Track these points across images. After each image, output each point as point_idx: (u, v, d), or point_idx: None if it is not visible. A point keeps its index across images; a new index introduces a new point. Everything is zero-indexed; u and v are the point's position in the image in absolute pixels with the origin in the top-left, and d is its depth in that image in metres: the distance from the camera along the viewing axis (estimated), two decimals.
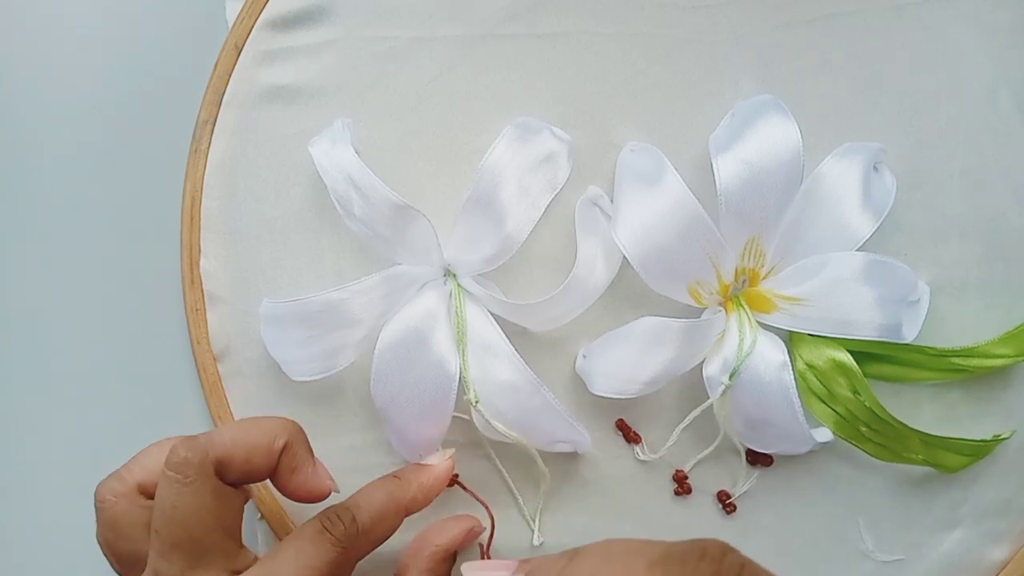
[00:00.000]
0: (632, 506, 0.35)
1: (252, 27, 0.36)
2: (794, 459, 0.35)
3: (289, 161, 0.35)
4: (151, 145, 0.38)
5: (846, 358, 0.33)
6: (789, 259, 0.34)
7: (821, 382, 0.33)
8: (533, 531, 0.35)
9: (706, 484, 0.36)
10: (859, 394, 0.33)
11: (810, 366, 0.33)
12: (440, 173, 0.35)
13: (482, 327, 0.33)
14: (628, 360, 0.33)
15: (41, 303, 0.38)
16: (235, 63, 0.36)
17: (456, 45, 0.35)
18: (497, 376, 0.33)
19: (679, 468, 0.35)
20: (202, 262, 0.36)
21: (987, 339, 0.34)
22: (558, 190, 0.34)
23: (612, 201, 0.34)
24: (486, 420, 0.33)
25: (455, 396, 0.33)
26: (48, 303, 0.38)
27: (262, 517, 0.36)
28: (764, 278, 0.34)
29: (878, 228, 0.34)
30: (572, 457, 0.35)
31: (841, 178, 0.34)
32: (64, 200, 0.38)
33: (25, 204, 0.38)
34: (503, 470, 0.35)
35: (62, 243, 0.38)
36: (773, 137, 0.32)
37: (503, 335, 0.33)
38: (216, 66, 0.36)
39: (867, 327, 0.33)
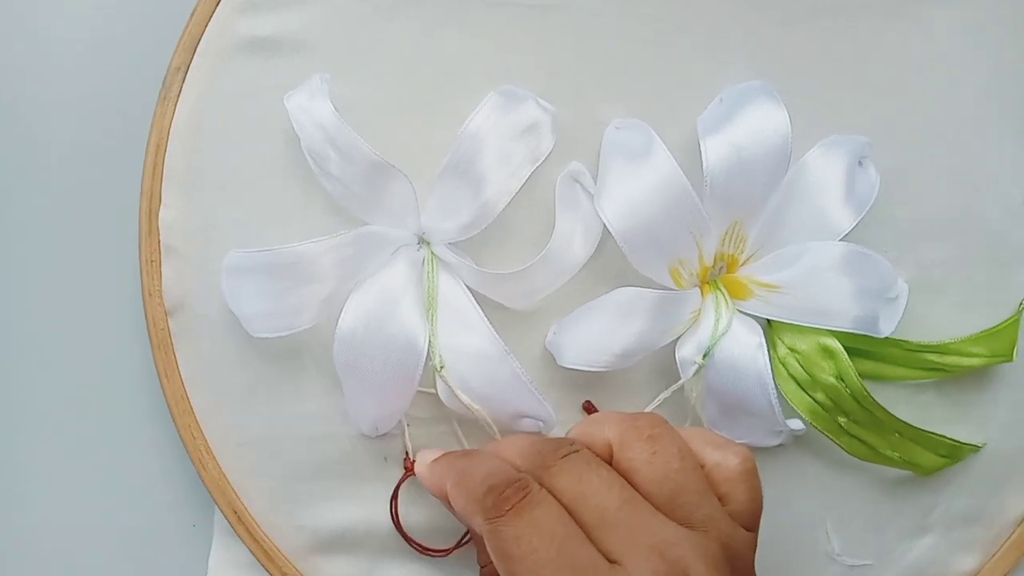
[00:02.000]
0: None
1: None
2: (764, 453, 0.34)
3: (263, 114, 0.34)
4: (120, 91, 0.36)
5: (833, 343, 0.32)
6: (768, 247, 0.33)
7: (803, 367, 0.32)
8: None
9: None
10: (842, 380, 0.32)
11: (792, 350, 0.32)
12: (419, 138, 0.34)
13: (453, 294, 0.32)
14: (600, 331, 0.31)
15: None
16: (214, 10, 0.35)
17: (445, 7, 0.34)
18: (465, 343, 0.32)
19: None
20: (162, 212, 0.34)
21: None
22: (540, 162, 0.33)
23: (594, 179, 0.33)
24: (450, 389, 0.31)
25: (421, 369, 0.32)
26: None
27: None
28: (742, 264, 0.34)
29: (859, 223, 0.33)
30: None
31: (825, 170, 0.33)
32: (24, 141, 0.37)
33: None
34: (463, 441, 0.34)
35: (18, 189, 0.37)
36: (763, 122, 0.32)
37: (474, 303, 0.32)
38: (194, 12, 0.35)
39: (843, 318, 0.32)
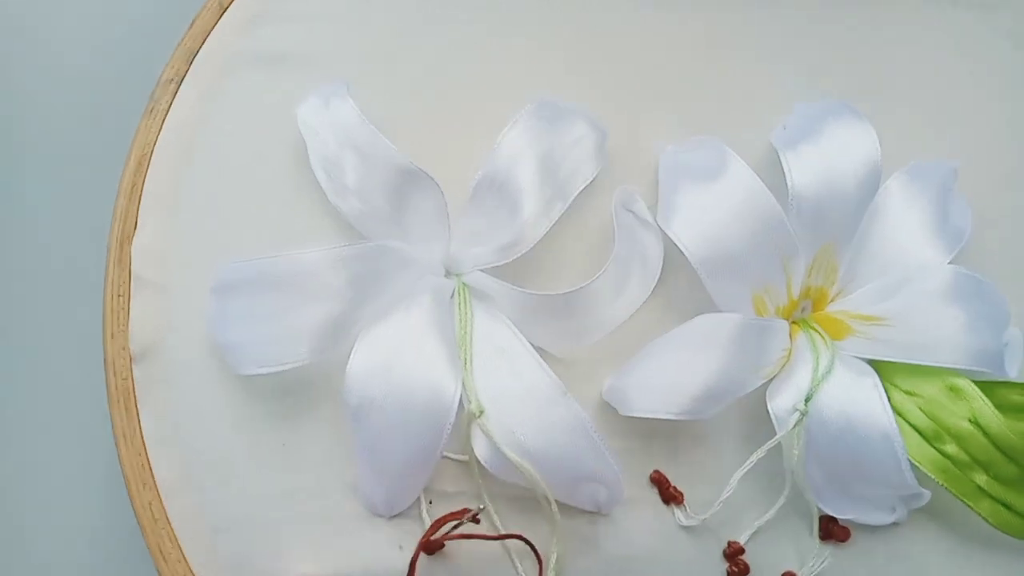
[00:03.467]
0: None
1: None
2: (875, 535, 0.27)
3: (262, 132, 0.30)
4: (102, 104, 0.31)
5: (963, 382, 0.26)
6: (859, 281, 0.29)
7: (927, 414, 0.26)
8: None
9: (766, 562, 0.27)
10: (979, 425, 0.26)
11: (911, 394, 0.27)
12: (447, 160, 0.29)
13: (492, 329, 0.27)
14: (674, 368, 0.26)
15: None
16: (216, 23, 0.31)
17: (476, 28, 0.31)
18: (511, 385, 0.25)
19: (732, 540, 0.27)
20: (136, 238, 0.28)
21: None
22: (588, 182, 0.29)
23: (648, 206, 0.29)
24: (492, 444, 0.25)
25: (448, 430, 0.25)
26: None
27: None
28: (832, 300, 0.28)
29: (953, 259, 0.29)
30: (590, 521, 0.27)
31: (912, 199, 0.30)
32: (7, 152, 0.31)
33: None
34: (499, 525, 0.26)
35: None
36: (850, 138, 0.28)
37: (520, 336, 0.26)
38: (193, 24, 0.31)
39: (960, 352, 0.27)
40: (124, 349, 0.27)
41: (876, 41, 0.32)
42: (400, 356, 0.26)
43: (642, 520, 0.27)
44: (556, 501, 0.25)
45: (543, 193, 0.28)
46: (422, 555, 0.25)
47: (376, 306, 0.26)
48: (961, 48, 0.32)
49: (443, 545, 0.25)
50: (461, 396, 0.25)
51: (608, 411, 0.27)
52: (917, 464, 0.26)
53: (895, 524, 0.27)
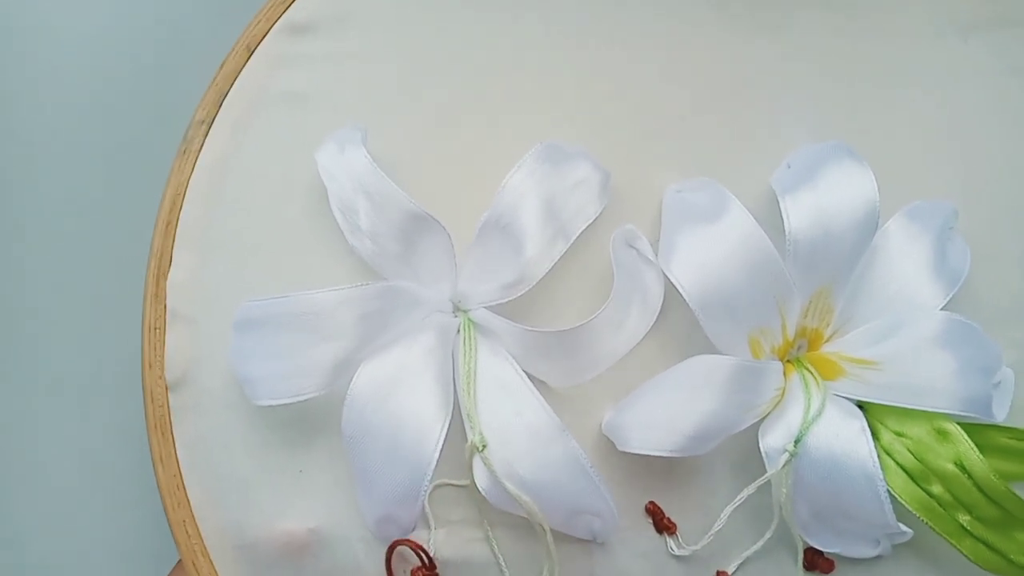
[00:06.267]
0: None
1: (268, 30, 0.33)
2: (858, 567, 0.29)
3: (289, 172, 0.31)
4: (140, 145, 0.34)
5: (951, 426, 0.27)
6: (855, 322, 0.30)
7: (914, 454, 0.27)
8: None
9: None
10: (963, 468, 0.27)
11: (900, 435, 0.28)
12: (456, 201, 0.31)
13: (495, 364, 0.28)
14: (669, 407, 0.27)
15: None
16: (244, 64, 0.32)
17: (486, 69, 0.32)
18: (512, 421, 0.27)
19: (721, 570, 0.29)
20: (171, 274, 0.30)
21: None
22: (590, 222, 0.30)
23: (651, 245, 0.30)
24: (492, 476, 0.27)
25: (432, 465, 0.27)
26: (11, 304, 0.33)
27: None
28: (827, 340, 0.29)
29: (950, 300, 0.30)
30: (586, 550, 0.29)
31: (911, 240, 0.30)
32: (44, 195, 0.34)
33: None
34: (500, 557, 0.28)
35: (34, 243, 0.33)
36: (847, 181, 0.29)
37: (522, 373, 0.28)
38: (223, 65, 0.32)
39: (950, 398, 0.27)
40: (160, 379, 0.29)
41: (882, 77, 0.32)
42: (395, 390, 0.27)
43: (636, 549, 0.29)
44: (552, 530, 0.27)
45: (545, 233, 0.29)
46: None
47: (382, 342, 0.28)
48: (968, 84, 0.32)
49: (436, 572, 0.27)
50: (465, 427, 0.27)
51: (606, 443, 0.29)
52: (903, 502, 0.27)
53: (879, 557, 0.28)
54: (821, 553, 0.28)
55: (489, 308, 0.29)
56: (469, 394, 0.27)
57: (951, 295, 0.29)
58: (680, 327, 0.30)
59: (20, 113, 0.34)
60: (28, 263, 0.34)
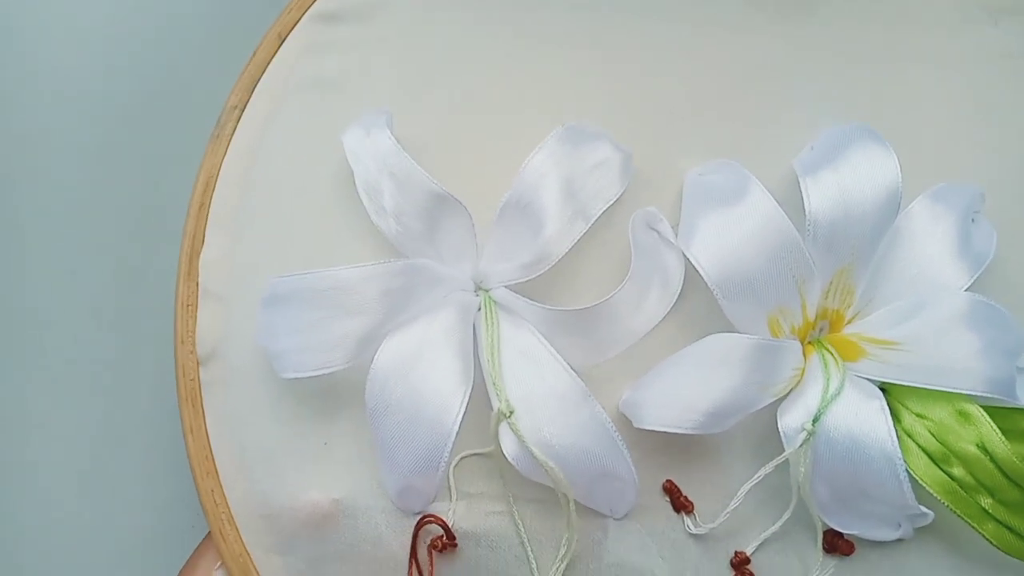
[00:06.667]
0: None
1: (300, 18, 0.34)
2: (879, 550, 0.28)
3: (318, 155, 0.32)
4: (172, 132, 0.35)
5: (973, 408, 0.27)
6: (876, 304, 0.29)
7: (936, 437, 0.27)
8: None
9: (772, 573, 0.29)
10: (986, 450, 0.27)
11: (921, 417, 0.27)
12: (479, 184, 0.31)
13: (519, 337, 0.28)
14: (687, 385, 0.27)
15: (39, 287, 0.35)
16: (275, 52, 0.33)
17: (512, 55, 0.33)
18: (537, 388, 0.27)
19: (739, 550, 0.29)
20: (203, 254, 0.31)
21: None
22: (611, 203, 0.30)
23: (672, 227, 0.30)
24: (519, 442, 0.27)
25: (452, 440, 0.27)
26: (43, 288, 0.35)
27: (221, 565, 0.29)
28: (848, 322, 0.29)
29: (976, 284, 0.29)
30: (602, 526, 0.29)
31: (935, 221, 0.30)
32: (76, 183, 0.35)
33: (31, 185, 0.35)
34: (522, 529, 0.29)
35: (68, 229, 0.35)
36: (869, 163, 0.29)
37: (545, 342, 0.28)
38: (255, 53, 0.33)
39: (973, 379, 0.27)
40: (192, 354, 0.30)
41: (908, 62, 0.32)
42: (417, 364, 0.28)
43: (653, 527, 0.29)
44: (574, 501, 0.27)
45: (565, 213, 0.29)
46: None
47: (405, 318, 0.28)
48: (997, 68, 0.32)
49: (456, 544, 0.28)
50: (490, 396, 0.28)
51: (624, 423, 0.29)
52: (925, 485, 0.27)
53: (900, 540, 0.28)
54: (841, 535, 0.28)
55: (509, 288, 0.29)
56: (493, 364, 0.28)
57: (975, 277, 0.29)
58: (700, 309, 0.30)
59: (46, 98, 0.36)
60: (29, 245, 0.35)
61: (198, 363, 0.30)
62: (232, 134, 0.33)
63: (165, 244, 0.32)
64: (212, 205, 0.32)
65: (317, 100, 0.33)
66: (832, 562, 0.28)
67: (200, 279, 0.31)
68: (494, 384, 0.27)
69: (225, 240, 0.31)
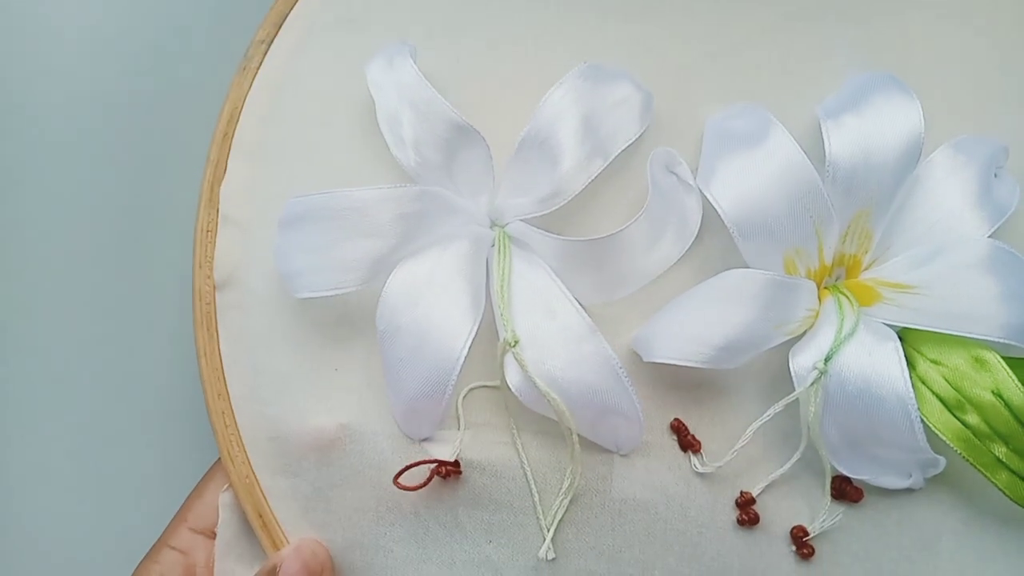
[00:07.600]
0: (679, 533, 0.28)
1: None
2: (888, 498, 0.28)
3: (342, 90, 0.32)
4: (195, 68, 0.35)
5: (989, 354, 0.26)
6: (894, 250, 0.29)
7: (951, 383, 0.27)
8: (545, 539, 0.28)
9: (778, 515, 0.28)
10: (1001, 397, 0.26)
11: (936, 363, 0.27)
12: (499, 122, 0.31)
13: (529, 270, 0.28)
14: (699, 317, 0.27)
15: (61, 215, 0.36)
16: None
17: None
18: (544, 318, 0.27)
19: (745, 490, 0.28)
20: (225, 183, 0.32)
21: None
22: (630, 142, 0.30)
23: (692, 172, 0.30)
24: (523, 372, 0.27)
25: (458, 368, 0.27)
26: (67, 215, 0.36)
27: (228, 487, 0.30)
28: (866, 268, 0.29)
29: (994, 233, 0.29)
30: (607, 461, 0.29)
31: (956, 172, 0.29)
32: (101, 113, 0.36)
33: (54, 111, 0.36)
34: (525, 460, 0.29)
35: (87, 159, 0.36)
36: (892, 110, 0.29)
37: (555, 278, 0.28)
38: None
39: (990, 324, 0.27)
40: (209, 278, 0.31)
41: (934, 13, 0.32)
42: (428, 290, 0.28)
43: (660, 463, 0.29)
44: (578, 435, 0.27)
45: (582, 149, 0.29)
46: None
47: (419, 245, 0.29)
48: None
49: (460, 471, 0.28)
50: (497, 326, 0.28)
51: (634, 362, 0.29)
52: (938, 433, 0.27)
53: (910, 490, 0.28)
54: (850, 481, 0.28)
55: (525, 221, 0.29)
56: (503, 296, 0.28)
57: (995, 228, 0.29)
58: (715, 255, 0.30)
59: (67, 47, 0.37)
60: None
61: (214, 287, 0.31)
62: (259, 67, 0.33)
63: (187, 172, 0.33)
64: (236, 135, 0.32)
65: (342, 37, 0.33)
66: (839, 508, 0.28)
67: (221, 206, 0.31)
68: (502, 315, 0.27)
69: (247, 169, 0.32)
